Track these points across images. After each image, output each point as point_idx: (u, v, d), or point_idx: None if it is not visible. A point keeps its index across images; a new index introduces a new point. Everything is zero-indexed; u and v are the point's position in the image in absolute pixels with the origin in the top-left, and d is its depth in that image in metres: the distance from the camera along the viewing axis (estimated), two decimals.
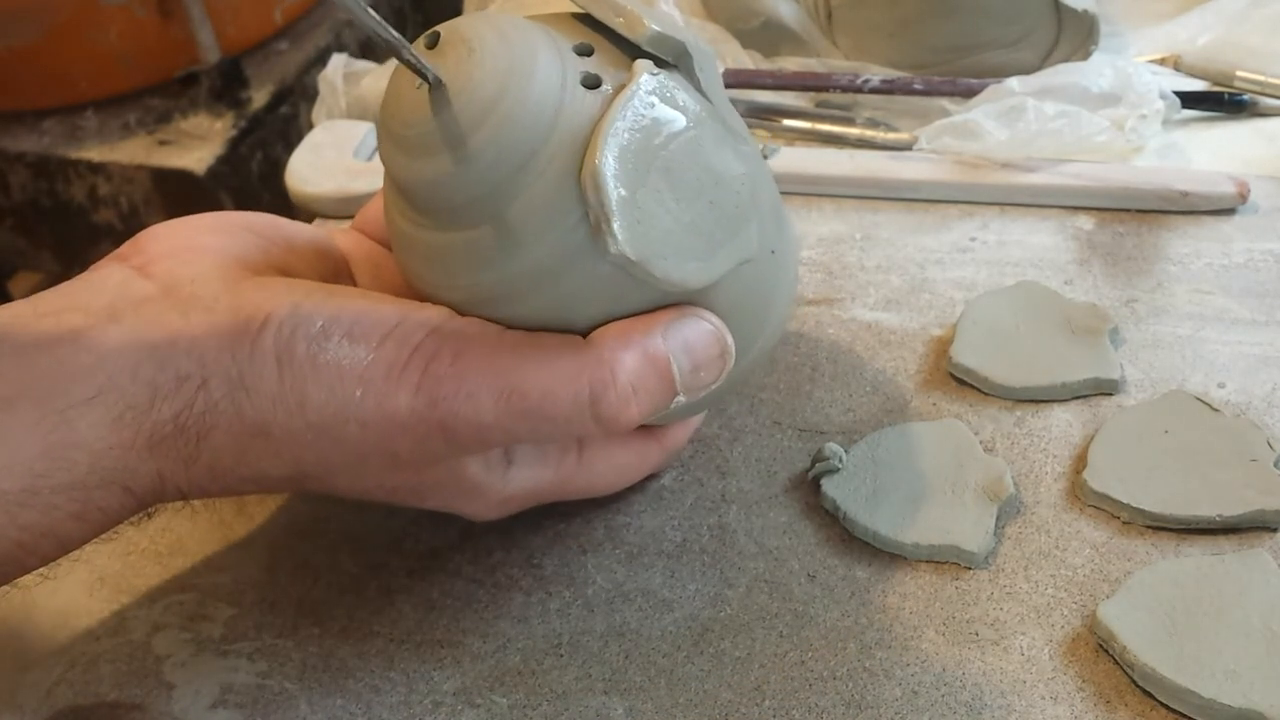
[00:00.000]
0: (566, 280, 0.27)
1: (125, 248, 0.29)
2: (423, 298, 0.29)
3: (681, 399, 0.27)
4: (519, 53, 0.26)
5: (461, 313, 0.28)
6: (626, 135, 0.26)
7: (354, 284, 0.31)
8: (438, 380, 0.26)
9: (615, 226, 0.25)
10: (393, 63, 0.53)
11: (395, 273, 0.31)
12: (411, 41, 0.27)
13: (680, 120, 0.27)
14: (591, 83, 0.27)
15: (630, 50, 0.27)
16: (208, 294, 0.27)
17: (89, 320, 0.26)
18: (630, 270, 0.26)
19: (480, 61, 0.26)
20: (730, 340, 0.28)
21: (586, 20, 0.28)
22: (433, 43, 0.27)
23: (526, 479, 0.30)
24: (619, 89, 0.26)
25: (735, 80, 0.48)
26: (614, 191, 0.25)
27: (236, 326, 0.26)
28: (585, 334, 0.27)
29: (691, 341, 0.27)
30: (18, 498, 0.25)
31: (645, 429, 0.31)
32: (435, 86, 0.26)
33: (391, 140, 0.27)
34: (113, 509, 0.26)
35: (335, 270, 0.31)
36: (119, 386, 0.25)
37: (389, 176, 0.28)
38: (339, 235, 0.33)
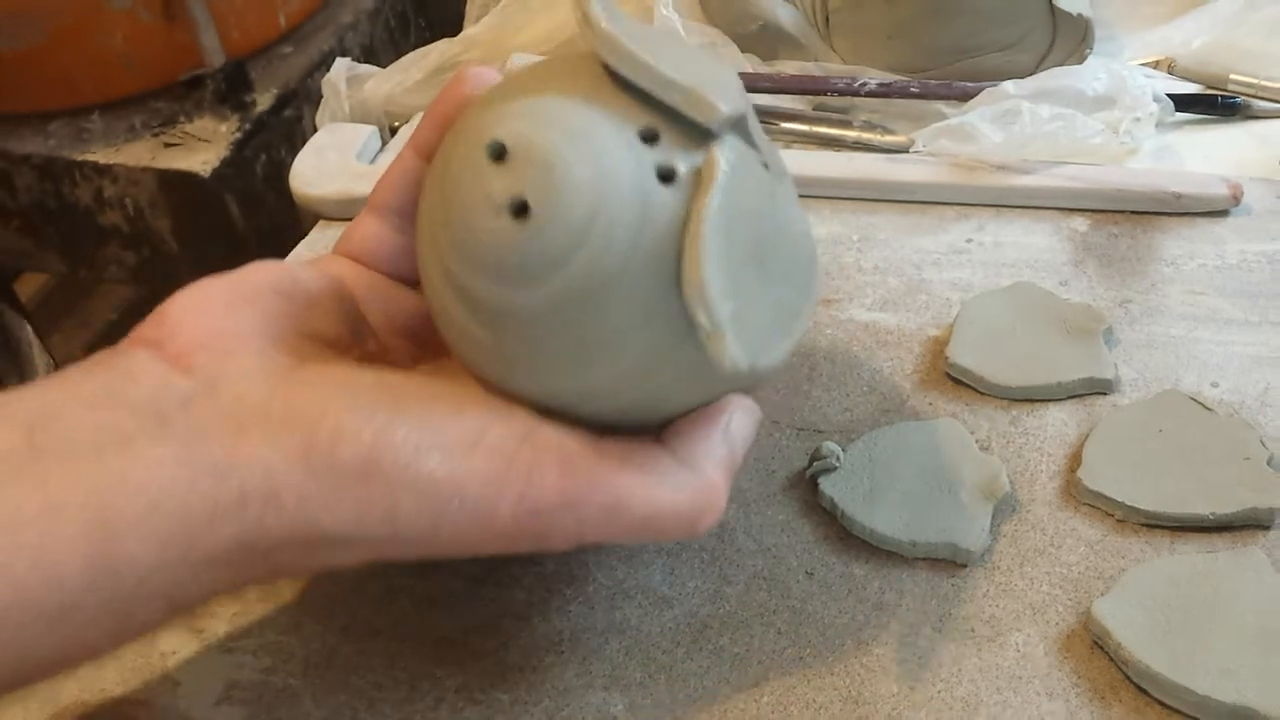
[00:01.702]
0: (652, 378, 0.26)
1: (150, 329, 0.26)
2: (491, 388, 0.27)
3: None
4: (601, 163, 0.24)
5: (536, 407, 0.26)
6: (721, 239, 0.24)
7: (369, 327, 0.30)
8: (543, 492, 0.25)
9: (729, 343, 0.24)
10: (393, 66, 0.53)
11: (401, 306, 0.30)
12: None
13: (760, 200, 0.26)
14: (668, 174, 0.25)
15: (691, 126, 0.25)
16: (258, 397, 0.25)
17: (138, 424, 0.24)
18: (733, 376, 0.25)
19: (566, 182, 0.24)
20: (759, 411, 0.29)
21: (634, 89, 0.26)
22: (499, 155, 0.25)
23: None
24: (697, 181, 0.25)
25: None
26: (722, 307, 0.24)
27: (305, 439, 0.24)
28: (660, 422, 0.27)
29: (747, 434, 0.28)
30: (56, 611, 0.23)
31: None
32: (522, 212, 0.24)
33: (461, 257, 0.25)
34: (154, 621, 0.25)
35: (351, 316, 0.29)
36: (174, 504, 0.23)
37: (447, 278, 0.26)
38: (334, 267, 0.31)
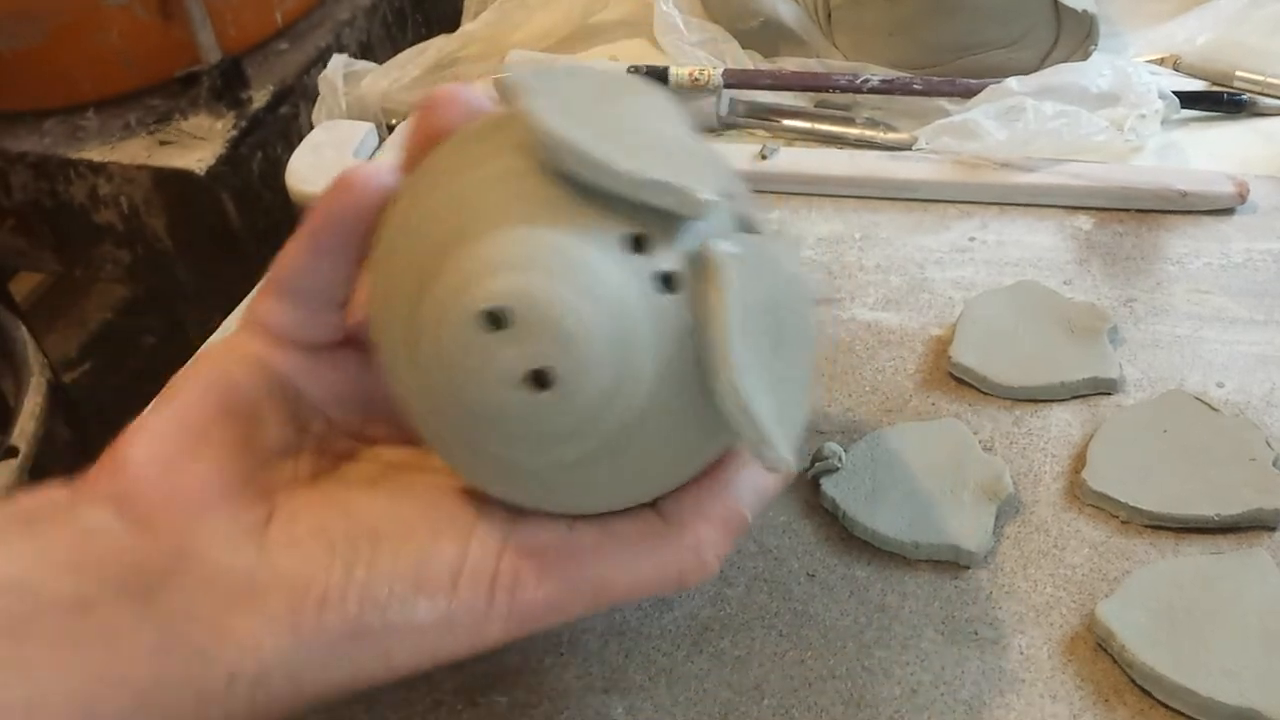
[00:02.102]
0: (670, 480, 0.25)
1: (106, 481, 0.25)
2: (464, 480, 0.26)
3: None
4: (612, 304, 0.22)
5: (520, 513, 0.25)
6: (744, 341, 0.22)
7: (305, 400, 0.28)
8: (528, 605, 0.25)
9: (780, 448, 0.23)
10: (390, 62, 0.53)
11: (335, 377, 0.28)
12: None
13: (766, 282, 0.24)
14: (669, 281, 0.23)
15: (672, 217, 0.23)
16: (238, 568, 0.24)
17: (115, 604, 0.23)
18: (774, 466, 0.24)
19: (585, 344, 0.22)
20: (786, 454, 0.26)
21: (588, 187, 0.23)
22: (497, 322, 0.22)
23: None
24: (697, 276, 0.23)
25: (735, 80, 0.48)
26: (767, 417, 0.23)
27: (291, 611, 0.24)
28: (652, 497, 0.26)
29: (760, 486, 0.27)
30: None
31: None
32: (545, 384, 0.22)
33: (481, 431, 0.23)
34: None
35: (292, 404, 0.28)
36: (160, 695, 0.23)
37: (448, 424, 0.24)
38: (254, 346, 0.28)
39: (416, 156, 0.26)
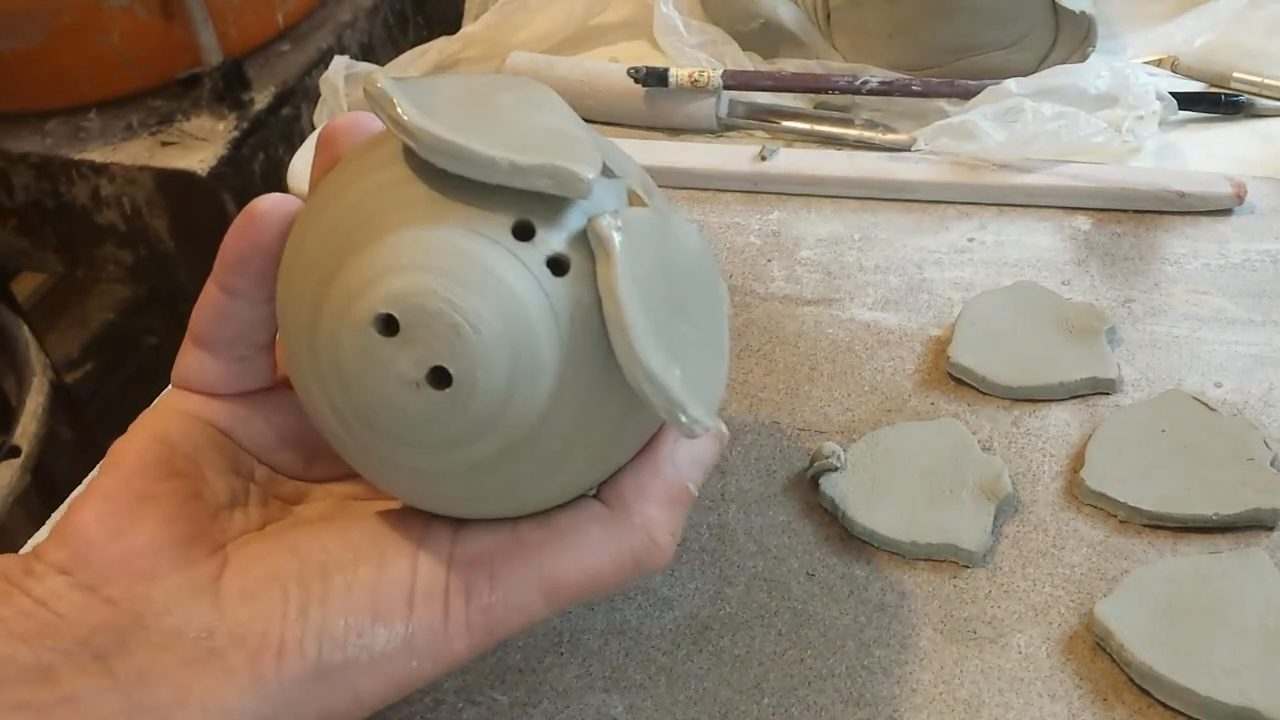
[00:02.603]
0: (596, 470, 0.25)
1: (56, 551, 0.25)
2: (396, 496, 0.26)
3: (694, 492, 0.27)
4: (501, 295, 0.22)
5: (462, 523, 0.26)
6: (641, 312, 0.22)
7: (244, 452, 0.28)
8: (485, 612, 0.25)
9: (691, 413, 0.23)
10: (392, 64, 0.53)
11: (268, 421, 0.28)
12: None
13: (657, 246, 0.24)
14: (560, 265, 0.23)
15: (556, 200, 0.23)
16: (194, 625, 0.24)
17: (76, 673, 0.23)
18: (694, 432, 0.23)
19: (477, 339, 0.22)
20: (723, 426, 0.27)
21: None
22: (390, 328, 0.22)
23: None
24: (587, 252, 0.23)
25: (735, 82, 0.48)
26: (672, 382, 0.22)
27: (251, 664, 0.24)
28: (592, 488, 0.26)
29: (698, 456, 0.27)
30: None
31: None
32: (443, 383, 0.22)
33: (379, 433, 0.23)
34: None
35: (230, 456, 0.28)
36: None
37: (354, 437, 0.24)
38: (186, 404, 0.28)
39: (236, 263, 0.26)
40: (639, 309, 0.22)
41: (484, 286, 0.22)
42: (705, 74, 0.47)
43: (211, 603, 0.24)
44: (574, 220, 0.23)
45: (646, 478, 0.26)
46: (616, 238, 0.23)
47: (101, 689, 0.23)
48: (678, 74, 0.47)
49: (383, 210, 0.23)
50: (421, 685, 0.25)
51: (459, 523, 0.26)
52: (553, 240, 0.23)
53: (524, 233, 0.23)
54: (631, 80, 0.48)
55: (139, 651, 0.24)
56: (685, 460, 0.27)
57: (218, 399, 0.28)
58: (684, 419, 0.23)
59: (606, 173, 0.24)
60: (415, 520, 0.26)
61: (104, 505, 0.25)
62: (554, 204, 0.23)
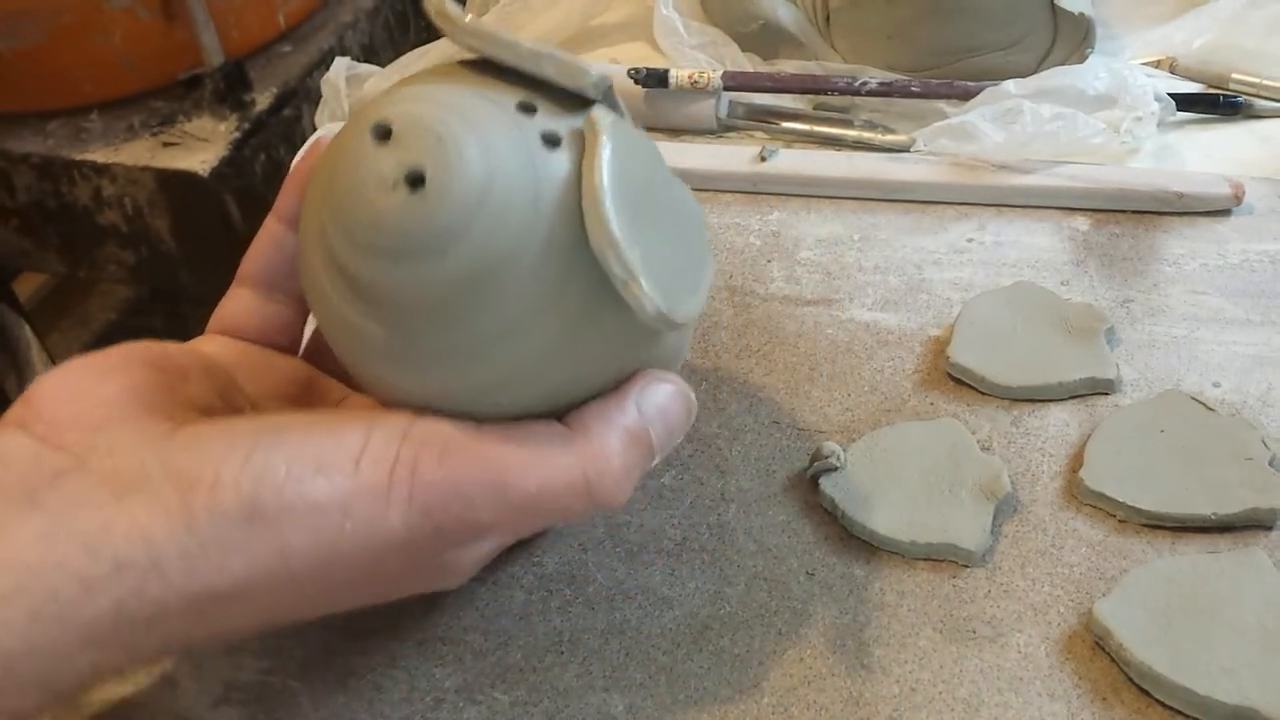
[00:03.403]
0: (558, 365, 0.26)
1: (18, 410, 0.25)
2: (383, 399, 0.27)
3: (657, 460, 0.27)
4: (486, 130, 0.24)
5: (430, 410, 0.26)
6: (617, 190, 0.24)
7: (244, 395, 0.29)
8: (428, 486, 0.24)
9: (645, 286, 0.24)
10: (393, 65, 0.53)
11: (277, 373, 0.30)
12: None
13: (646, 161, 0.26)
14: (552, 141, 0.25)
15: (562, 94, 0.26)
16: (133, 464, 0.24)
17: (5, 506, 0.23)
18: (656, 323, 0.25)
19: (456, 150, 0.24)
20: (691, 394, 0.28)
21: (497, 68, 0.26)
22: (384, 135, 0.24)
23: (498, 541, 0.29)
24: (580, 141, 0.25)
25: (735, 83, 0.48)
26: (631, 251, 0.24)
27: (184, 496, 0.23)
28: (558, 414, 0.26)
29: (665, 407, 0.27)
30: None
31: None
32: (418, 183, 0.24)
33: (354, 243, 0.25)
34: (28, 709, 0.23)
35: (226, 387, 0.29)
36: (40, 582, 0.22)
37: (338, 273, 0.26)
38: (207, 345, 0.30)
39: (302, 188, 0.28)
40: (614, 184, 0.24)
41: (476, 124, 0.25)
42: (705, 75, 0.47)
43: (158, 449, 0.24)
44: (574, 119, 0.26)
45: (611, 410, 0.26)
46: (609, 125, 0.25)
47: (27, 515, 0.23)
48: (678, 75, 0.47)
49: (407, 84, 0.26)
50: (350, 563, 0.24)
51: (422, 411, 0.26)
52: (551, 122, 0.26)
53: (527, 109, 0.26)
54: (632, 81, 0.48)
55: (72, 485, 0.23)
56: (651, 406, 0.27)
57: (237, 345, 0.29)
58: (638, 292, 0.24)
59: (611, 100, 0.27)
60: (379, 408, 0.26)
61: (70, 374, 0.26)
62: (560, 99, 0.26)
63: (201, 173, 0.67)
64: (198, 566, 0.23)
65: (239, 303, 0.30)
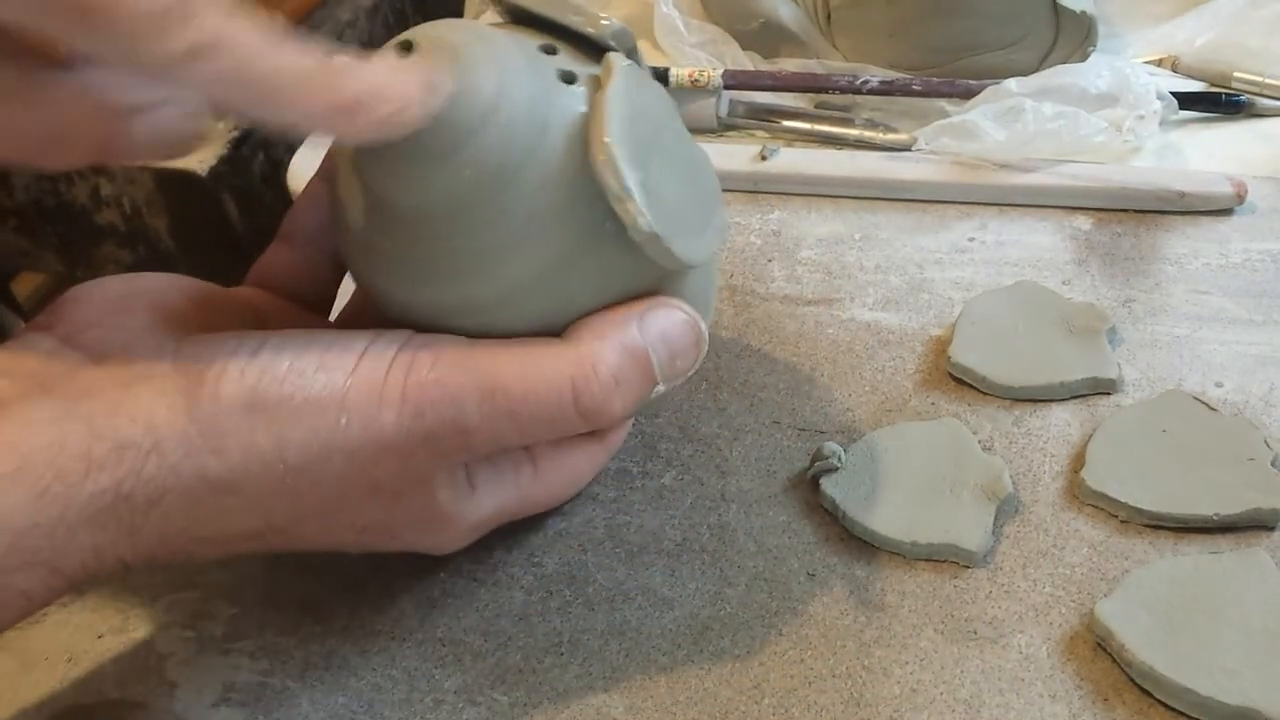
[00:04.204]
0: (562, 284, 0.27)
1: (44, 316, 0.27)
2: (392, 314, 0.28)
3: (661, 388, 0.27)
4: (503, 54, 0.26)
5: (438, 326, 0.27)
6: (626, 121, 0.26)
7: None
8: (421, 388, 0.25)
9: (641, 205, 0.25)
10: None
11: (305, 325, 0.30)
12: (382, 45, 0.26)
13: (659, 106, 0.28)
14: (569, 79, 0.27)
15: (587, 46, 0.28)
16: (145, 357, 0.25)
17: (19, 391, 0.24)
18: (651, 249, 0.26)
19: (471, 64, 0.25)
20: (703, 325, 0.28)
21: (530, 23, 0.28)
22: (407, 49, 0.26)
23: (491, 501, 0.29)
24: (596, 83, 0.26)
25: (735, 81, 0.48)
26: (631, 173, 0.25)
27: (189, 384, 0.24)
28: (560, 334, 0.27)
29: (668, 331, 0.27)
30: None
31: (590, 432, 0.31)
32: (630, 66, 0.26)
33: (372, 149, 0.26)
34: (36, 593, 0.24)
35: (250, 326, 0.29)
36: (44, 459, 0.23)
37: (360, 189, 0.27)
38: (242, 293, 0.31)
39: None
40: (620, 111, 0.26)
41: (493, 48, 0.26)
42: (705, 73, 0.47)
43: (171, 343, 0.25)
44: (594, 66, 0.27)
45: (607, 324, 0.27)
46: (623, 66, 0.26)
47: (36, 402, 0.24)
48: (678, 73, 0.47)
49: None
50: (345, 463, 0.25)
51: (424, 329, 0.27)
52: (570, 64, 0.27)
53: (548, 51, 0.27)
54: None
55: (85, 375, 0.25)
56: (654, 329, 0.27)
57: (269, 297, 0.30)
58: (632, 209, 0.25)
59: (632, 53, 0.28)
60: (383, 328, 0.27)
61: (100, 285, 0.27)
62: (583, 47, 0.27)
63: (200, 172, 0.67)
64: (197, 450, 0.24)
65: (278, 258, 0.32)
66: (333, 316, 0.33)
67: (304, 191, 0.32)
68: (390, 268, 0.27)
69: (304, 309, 0.31)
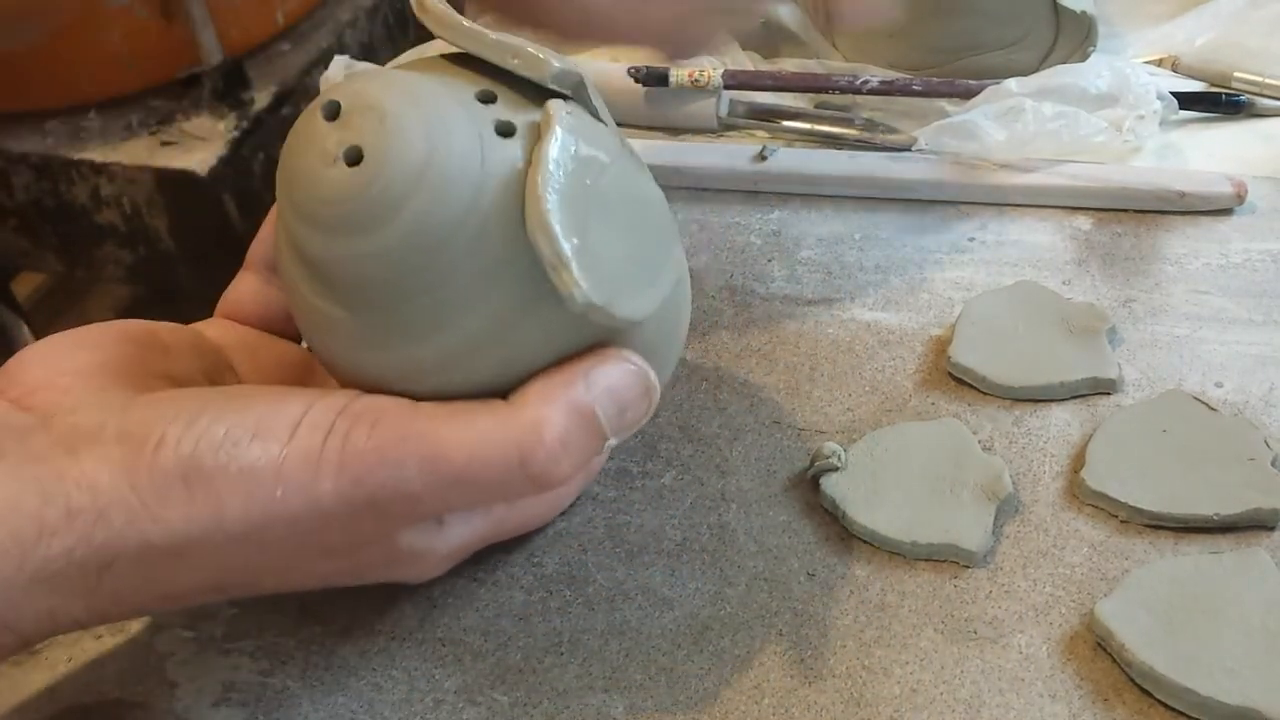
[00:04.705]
0: (503, 345, 0.26)
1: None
2: (334, 374, 0.28)
3: (612, 442, 0.27)
4: (433, 112, 0.25)
5: (382, 389, 0.26)
6: (562, 179, 0.25)
7: (235, 376, 0.30)
8: (358, 455, 0.25)
9: (576, 274, 0.24)
10: (392, 63, 0.53)
11: (273, 356, 0.31)
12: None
13: (602, 154, 0.26)
14: (506, 130, 0.26)
15: (528, 89, 0.26)
16: (92, 423, 0.25)
17: None
18: (591, 315, 0.25)
19: (397, 127, 0.24)
20: (653, 375, 0.27)
21: (471, 62, 0.27)
22: (333, 113, 0.25)
23: (462, 532, 0.29)
24: (536, 133, 0.25)
25: (735, 81, 0.48)
26: (566, 240, 0.24)
27: (130, 453, 0.25)
28: (505, 396, 0.26)
29: (614, 385, 0.26)
30: None
31: None
32: (356, 160, 0.25)
33: (303, 219, 0.26)
34: None
35: (215, 366, 0.30)
36: (3, 521, 0.24)
37: (296, 253, 0.27)
38: (207, 328, 0.31)
39: None
40: (557, 171, 0.25)
41: (422, 105, 0.25)
42: (705, 73, 0.47)
43: (115, 411, 0.26)
44: (536, 110, 0.26)
45: (553, 385, 0.26)
46: (563, 116, 0.25)
47: None
48: (678, 74, 0.47)
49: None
50: (287, 530, 0.25)
51: (367, 392, 0.27)
52: (508, 113, 0.26)
53: (485, 99, 0.26)
54: (632, 80, 0.48)
55: (33, 441, 0.25)
56: (600, 385, 0.26)
57: (238, 328, 0.30)
58: (568, 279, 0.24)
59: (580, 95, 0.27)
60: (329, 388, 0.27)
61: (47, 345, 0.28)
62: (524, 91, 0.26)
63: (200, 172, 0.67)
64: (139, 519, 0.24)
65: (243, 286, 0.32)
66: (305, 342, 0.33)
67: (267, 219, 0.32)
68: (331, 333, 0.27)
69: (273, 338, 0.31)
